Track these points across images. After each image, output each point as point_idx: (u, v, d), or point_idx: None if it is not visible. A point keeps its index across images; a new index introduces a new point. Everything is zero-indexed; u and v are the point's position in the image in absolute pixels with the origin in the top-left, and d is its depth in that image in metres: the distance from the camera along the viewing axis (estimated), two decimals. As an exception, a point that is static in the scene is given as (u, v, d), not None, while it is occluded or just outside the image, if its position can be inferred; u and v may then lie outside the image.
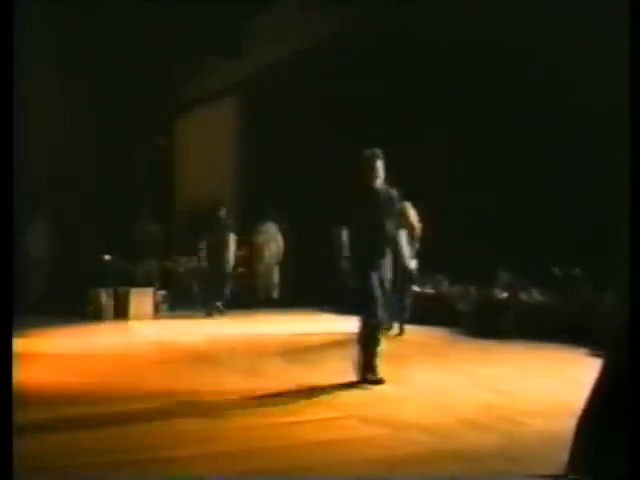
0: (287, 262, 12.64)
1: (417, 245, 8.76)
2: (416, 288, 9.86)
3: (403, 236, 6.45)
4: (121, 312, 11.53)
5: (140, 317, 11.48)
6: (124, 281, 12.11)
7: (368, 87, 11.94)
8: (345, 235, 6.06)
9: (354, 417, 5.01)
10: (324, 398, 5.59)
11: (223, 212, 11.75)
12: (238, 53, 13.79)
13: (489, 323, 9.07)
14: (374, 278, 5.96)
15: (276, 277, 12.89)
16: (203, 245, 11.74)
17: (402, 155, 11.40)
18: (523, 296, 9.20)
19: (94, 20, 13.14)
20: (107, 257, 12.89)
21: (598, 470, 3.13)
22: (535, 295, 9.28)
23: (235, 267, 11.89)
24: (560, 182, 10.22)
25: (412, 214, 9.01)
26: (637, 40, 3.29)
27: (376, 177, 6.08)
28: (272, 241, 12.72)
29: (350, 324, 10.49)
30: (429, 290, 10.60)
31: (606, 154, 8.98)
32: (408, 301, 9.24)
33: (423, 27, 10.60)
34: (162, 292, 12.40)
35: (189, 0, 12.31)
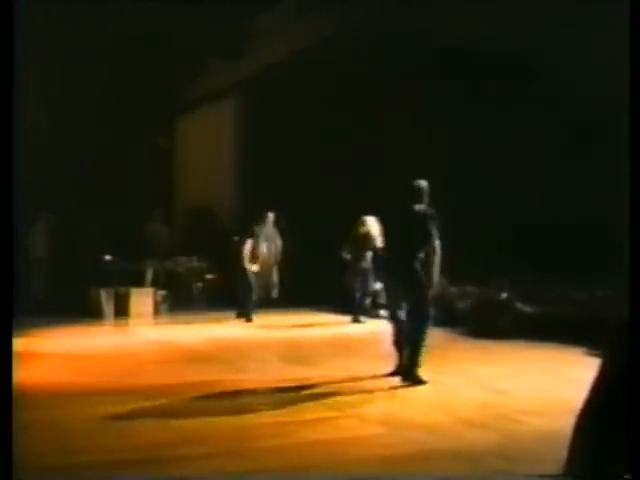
0: (286, 262, 12.63)
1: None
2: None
3: None
4: (121, 312, 11.54)
5: (140, 317, 11.48)
6: (124, 281, 12.11)
7: (368, 88, 11.94)
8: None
9: (353, 417, 5.02)
10: (324, 397, 5.60)
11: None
12: (239, 54, 13.79)
13: (489, 323, 9.07)
14: None
15: (275, 277, 12.89)
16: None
17: (403, 155, 11.50)
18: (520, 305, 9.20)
19: (95, 20, 13.14)
20: (107, 257, 12.90)
21: (596, 469, 3.14)
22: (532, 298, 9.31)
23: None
24: (560, 183, 10.24)
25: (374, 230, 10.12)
26: (637, 41, 3.29)
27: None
28: (271, 241, 12.71)
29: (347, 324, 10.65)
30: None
31: (607, 155, 9.00)
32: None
33: (424, 28, 10.59)
34: (162, 292, 12.40)
35: (190, 1, 12.32)
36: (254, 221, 11.53)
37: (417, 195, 6.32)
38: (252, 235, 11.32)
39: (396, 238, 6.39)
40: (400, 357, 6.33)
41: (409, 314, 6.28)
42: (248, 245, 11.18)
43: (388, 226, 6.85)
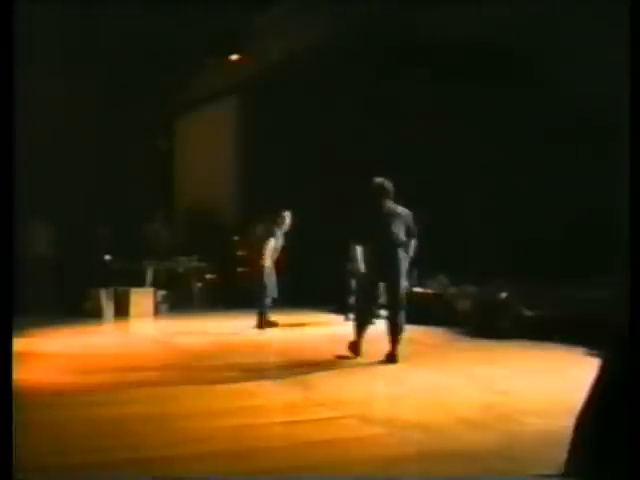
0: (287, 262, 12.62)
1: None
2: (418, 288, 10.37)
3: None
4: (121, 312, 11.53)
5: (140, 317, 11.48)
6: (124, 281, 12.10)
7: (368, 87, 11.94)
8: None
9: (353, 417, 5.01)
10: (324, 397, 5.60)
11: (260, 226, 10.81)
12: (238, 54, 13.78)
13: (489, 323, 9.07)
14: None
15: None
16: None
17: (402, 155, 11.50)
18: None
19: (95, 20, 13.13)
20: (107, 257, 12.90)
21: (596, 469, 3.14)
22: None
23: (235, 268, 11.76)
24: (561, 183, 10.23)
25: None
26: (637, 40, 3.29)
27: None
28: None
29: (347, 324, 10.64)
30: (429, 290, 10.61)
31: (606, 154, 9.01)
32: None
33: (424, 28, 10.60)
34: (162, 292, 12.40)
35: (190, 1, 12.31)
36: (273, 221, 11.13)
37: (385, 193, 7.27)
38: (273, 235, 10.96)
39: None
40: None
41: None
42: (271, 244, 10.87)
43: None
